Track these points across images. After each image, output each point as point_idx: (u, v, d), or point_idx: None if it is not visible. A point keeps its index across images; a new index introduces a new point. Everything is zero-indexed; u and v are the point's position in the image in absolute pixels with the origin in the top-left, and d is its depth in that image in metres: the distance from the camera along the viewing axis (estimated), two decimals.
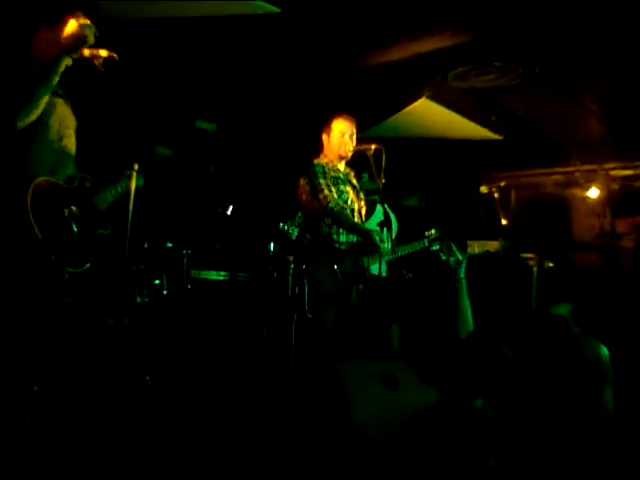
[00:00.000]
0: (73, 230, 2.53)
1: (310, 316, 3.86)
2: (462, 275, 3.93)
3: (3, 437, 2.19)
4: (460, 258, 3.60)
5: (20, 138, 2.50)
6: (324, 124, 4.07)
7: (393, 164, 3.94)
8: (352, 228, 3.89)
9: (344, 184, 4.01)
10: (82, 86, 2.94)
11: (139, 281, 3.95)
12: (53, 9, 2.70)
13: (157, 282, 4.09)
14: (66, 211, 2.52)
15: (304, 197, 4.06)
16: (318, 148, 4.13)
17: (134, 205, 2.83)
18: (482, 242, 5.40)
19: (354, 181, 4.19)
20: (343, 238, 3.94)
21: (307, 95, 5.32)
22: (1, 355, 2.31)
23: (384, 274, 4.30)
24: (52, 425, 2.51)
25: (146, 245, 4.25)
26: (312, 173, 3.92)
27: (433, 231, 4.19)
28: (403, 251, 4.15)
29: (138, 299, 3.91)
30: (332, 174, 3.97)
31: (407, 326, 4.85)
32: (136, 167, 2.71)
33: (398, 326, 4.77)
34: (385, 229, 3.82)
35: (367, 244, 3.85)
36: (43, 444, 2.35)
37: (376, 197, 4.93)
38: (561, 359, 2.02)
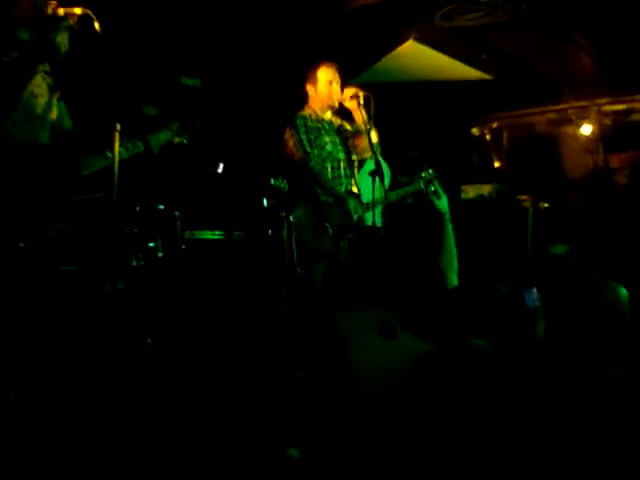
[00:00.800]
0: (29, 199, 2.50)
1: (301, 272, 3.84)
2: (446, 210, 3.90)
3: None
4: (442, 194, 3.60)
5: None
6: (308, 73, 3.94)
7: (382, 111, 3.87)
8: (329, 190, 3.84)
9: (328, 134, 3.94)
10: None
11: (133, 245, 3.91)
12: None
13: (151, 245, 4.05)
14: (30, 180, 2.50)
15: (289, 151, 3.98)
16: (303, 99, 4.05)
17: (124, 169, 2.77)
18: (476, 186, 5.37)
19: (346, 127, 4.09)
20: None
21: (292, 43, 5.18)
22: None
23: (378, 224, 4.29)
24: (51, 394, 2.52)
25: (138, 208, 4.19)
26: (294, 127, 3.86)
27: (430, 171, 4.05)
28: (396, 196, 4.08)
29: (134, 263, 3.88)
30: (316, 125, 3.89)
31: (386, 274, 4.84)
32: (118, 127, 2.66)
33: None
34: (377, 178, 3.78)
35: (341, 208, 3.81)
36: (41, 415, 2.36)
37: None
38: (579, 301, 2.01)
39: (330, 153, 3.91)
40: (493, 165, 4.70)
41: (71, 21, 2.67)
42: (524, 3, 4.60)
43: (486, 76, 6.11)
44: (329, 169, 3.89)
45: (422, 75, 5.94)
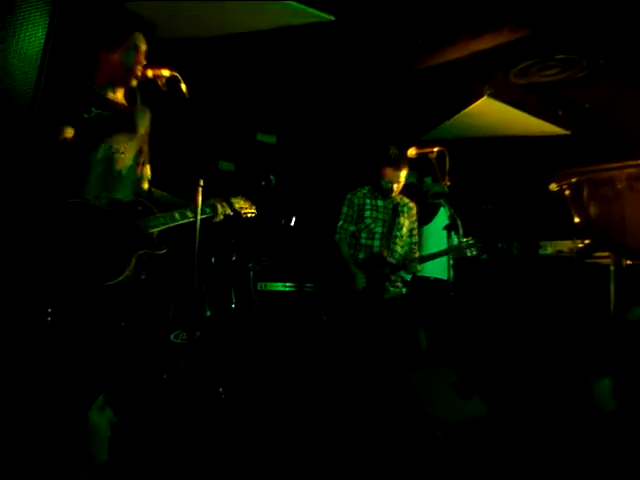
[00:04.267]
0: (103, 249, 2.59)
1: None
2: None
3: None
4: None
5: (65, 164, 2.58)
6: (377, 170, 4.40)
7: (457, 166, 3.86)
8: (345, 263, 4.27)
9: (372, 210, 4.36)
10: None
11: (208, 296, 4.00)
12: (112, 34, 2.77)
13: None
14: (98, 232, 2.59)
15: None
16: (376, 156, 4.41)
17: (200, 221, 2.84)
18: (555, 242, 5.22)
19: (407, 207, 4.44)
20: (361, 255, 4.29)
21: (366, 102, 5.29)
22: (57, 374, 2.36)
23: (444, 277, 4.32)
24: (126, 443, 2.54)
25: (213, 260, 4.30)
26: (345, 200, 4.43)
27: (469, 239, 4.12)
28: (422, 260, 4.34)
29: (208, 313, 3.96)
30: (363, 201, 4.38)
31: (433, 330, 4.81)
32: (201, 183, 2.74)
33: (424, 330, 4.88)
34: (453, 232, 3.79)
35: (350, 281, 4.17)
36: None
37: (441, 200, 4.88)
38: None
39: (367, 226, 4.33)
40: (573, 221, 4.56)
41: (160, 82, 2.79)
42: (601, 58, 4.54)
43: (563, 131, 6.01)
44: (363, 238, 4.33)
45: (497, 131, 5.90)
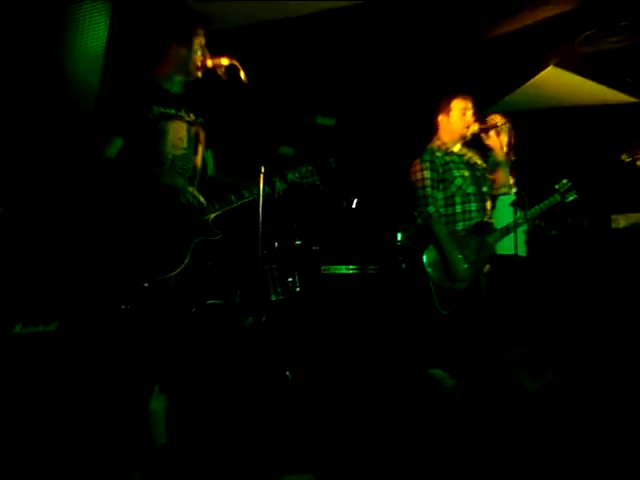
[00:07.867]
0: (163, 240, 2.68)
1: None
2: None
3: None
4: None
5: (132, 167, 2.69)
6: (442, 103, 3.90)
7: (524, 139, 3.75)
8: (442, 241, 3.65)
9: (457, 168, 3.80)
10: (205, 94, 3.06)
11: (273, 280, 4.06)
12: (183, 28, 2.85)
13: (289, 280, 4.18)
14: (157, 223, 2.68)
15: (415, 184, 3.84)
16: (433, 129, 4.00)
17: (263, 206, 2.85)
18: (628, 215, 5.01)
19: (476, 160, 3.95)
20: (460, 226, 3.76)
21: (428, 77, 5.18)
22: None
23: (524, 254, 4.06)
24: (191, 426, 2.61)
25: (277, 244, 4.35)
26: (422, 163, 3.77)
27: (564, 181, 3.99)
28: (534, 213, 3.93)
29: (273, 297, 4.01)
30: (444, 159, 3.80)
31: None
32: (263, 169, 2.76)
33: None
34: (518, 209, 3.66)
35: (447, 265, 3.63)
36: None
37: None
38: None
39: (460, 187, 3.76)
40: None
41: (220, 71, 2.84)
42: None
43: (632, 99, 5.73)
44: (459, 203, 3.77)
45: (565, 101, 5.68)
